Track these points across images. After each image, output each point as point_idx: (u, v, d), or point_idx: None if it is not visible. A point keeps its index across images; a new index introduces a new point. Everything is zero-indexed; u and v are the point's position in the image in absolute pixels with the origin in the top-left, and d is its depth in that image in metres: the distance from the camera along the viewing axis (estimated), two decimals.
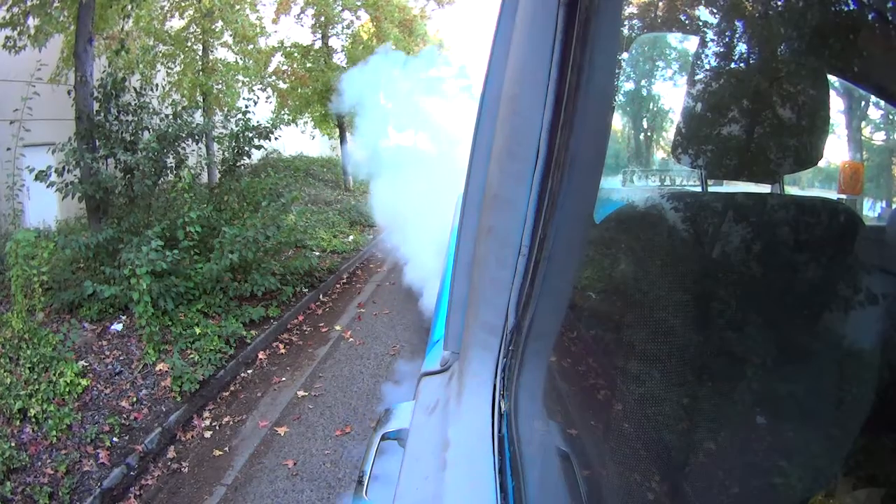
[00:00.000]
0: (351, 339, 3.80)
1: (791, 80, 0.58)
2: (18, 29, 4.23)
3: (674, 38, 0.78)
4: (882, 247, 0.51)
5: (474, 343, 0.60)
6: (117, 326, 3.38)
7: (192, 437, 2.80)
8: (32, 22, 4.17)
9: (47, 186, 3.83)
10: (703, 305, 0.52)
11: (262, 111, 5.84)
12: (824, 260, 0.50)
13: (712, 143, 0.63)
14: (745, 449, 0.46)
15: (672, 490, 0.51)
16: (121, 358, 3.12)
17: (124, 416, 2.72)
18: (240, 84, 6.39)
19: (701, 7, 0.72)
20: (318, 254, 5.16)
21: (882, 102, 0.59)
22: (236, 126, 4.63)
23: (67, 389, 2.73)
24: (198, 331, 3.37)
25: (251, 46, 6.36)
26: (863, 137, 0.62)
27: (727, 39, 0.64)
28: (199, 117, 5.05)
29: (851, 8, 0.55)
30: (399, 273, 4.58)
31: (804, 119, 0.58)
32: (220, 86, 6.07)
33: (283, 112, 6.59)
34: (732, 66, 0.62)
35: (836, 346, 0.45)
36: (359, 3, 6.97)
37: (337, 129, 8.05)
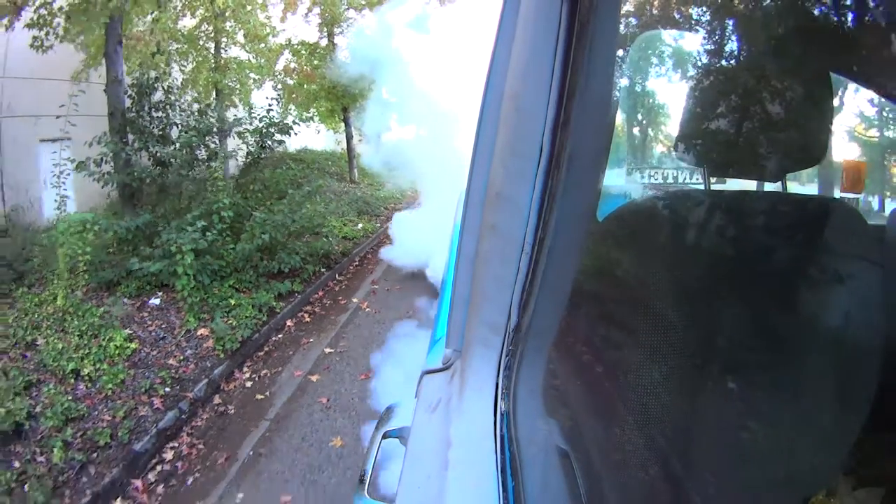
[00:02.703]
0: (367, 309, 4.31)
1: (793, 79, 0.58)
2: (46, 30, 4.44)
3: (677, 35, 0.78)
4: (883, 246, 0.51)
5: (476, 341, 0.60)
6: (155, 301, 3.73)
7: (235, 386, 3.24)
8: (61, 23, 4.40)
9: (86, 176, 4.28)
10: (705, 304, 0.52)
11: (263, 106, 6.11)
12: (826, 259, 0.49)
13: (715, 142, 0.62)
14: (746, 448, 0.47)
15: (672, 489, 0.51)
16: (162, 326, 3.49)
17: (173, 371, 3.08)
18: (251, 81, 6.64)
19: (704, 5, 0.72)
20: (331, 239, 5.60)
21: (884, 101, 0.59)
22: (260, 122, 5.05)
23: (117, 352, 3.05)
24: (232, 302, 3.79)
25: (262, 45, 6.57)
26: (865, 136, 0.61)
27: (730, 38, 0.64)
28: (222, 114, 5.50)
29: (853, 7, 0.55)
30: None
31: (806, 118, 0.58)
32: (234, 83, 6.29)
33: (290, 107, 6.85)
34: (735, 64, 0.61)
35: (836, 346, 0.45)
36: (363, 3, 7.18)
37: (342, 124, 8.31)
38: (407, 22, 6.38)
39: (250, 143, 5.05)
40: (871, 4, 0.51)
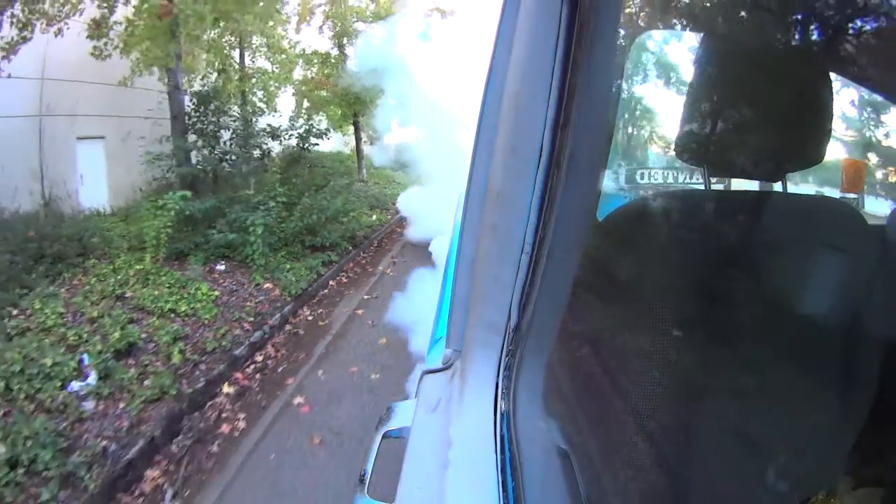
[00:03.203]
0: (390, 273, 5.64)
1: (793, 79, 0.58)
2: (105, 41, 5.14)
3: (677, 35, 0.78)
4: (883, 246, 0.51)
5: (476, 341, 0.60)
6: (220, 266, 4.64)
7: (300, 319, 4.38)
8: (117, 39, 5.14)
9: (158, 168, 5.31)
10: (705, 303, 0.51)
11: (285, 110, 7.39)
12: (825, 259, 0.49)
13: (714, 142, 0.62)
14: (746, 448, 0.47)
15: (672, 488, 0.51)
16: (233, 283, 4.44)
17: (252, 308, 4.06)
18: (272, 87, 7.33)
19: (704, 5, 0.72)
20: (356, 224, 6.64)
21: (884, 100, 0.59)
22: (300, 129, 6.21)
23: (204, 297, 3.92)
24: (287, 266, 4.86)
25: (283, 56, 7.31)
26: (865, 136, 0.61)
27: (730, 38, 0.64)
28: (265, 119, 6.62)
29: (853, 7, 0.55)
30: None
31: (806, 118, 0.58)
32: (260, 91, 7.10)
33: (302, 110, 7.82)
34: (735, 63, 0.61)
35: (836, 346, 0.45)
36: (370, 15, 7.83)
37: (352, 127, 9.36)
38: (414, 32, 7.08)
39: (292, 144, 6.17)
40: (872, 4, 0.51)
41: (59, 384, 2.63)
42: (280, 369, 3.52)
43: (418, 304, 3.95)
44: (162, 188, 5.64)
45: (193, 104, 5.67)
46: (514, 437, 0.54)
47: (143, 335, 3.25)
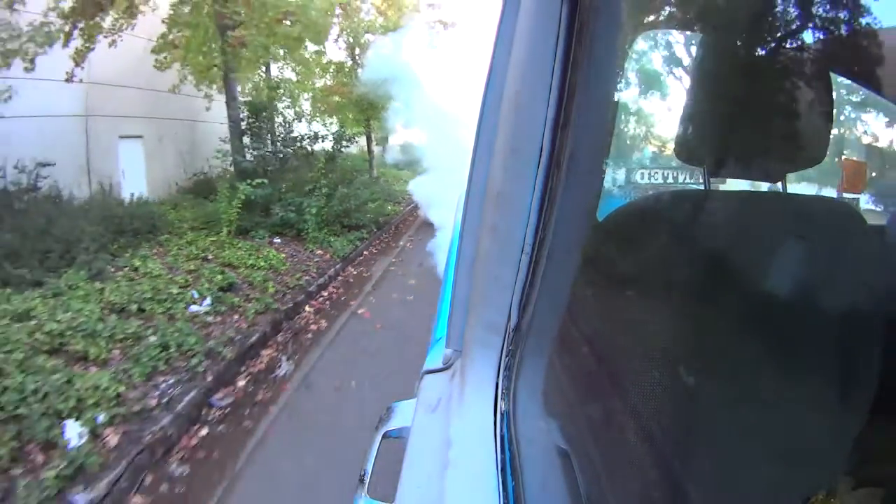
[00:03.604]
0: (409, 247, 7.08)
1: (793, 79, 0.58)
2: (167, 55, 6.07)
3: (677, 35, 0.78)
4: (883, 246, 0.51)
5: (476, 341, 0.60)
6: (277, 240, 5.83)
7: (349, 273, 5.73)
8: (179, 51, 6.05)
9: (223, 162, 6.87)
10: (705, 303, 0.51)
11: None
12: (826, 258, 0.49)
13: (715, 142, 0.62)
14: (746, 448, 0.46)
15: (671, 488, 0.51)
16: (292, 250, 5.66)
17: (313, 265, 5.36)
18: (296, 94, 8.31)
19: (704, 5, 0.72)
20: (379, 212, 8.06)
21: (884, 101, 0.59)
22: (335, 133, 7.85)
23: (275, 257, 5.11)
24: (332, 239, 6.16)
25: (304, 68, 8.09)
26: (865, 136, 0.61)
27: (730, 37, 0.64)
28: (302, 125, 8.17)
29: (853, 7, 0.55)
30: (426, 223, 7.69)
31: (806, 118, 0.58)
32: (287, 99, 7.94)
33: (317, 114, 8.98)
34: (735, 63, 0.61)
35: (836, 345, 0.44)
36: (379, 27, 8.71)
37: (363, 128, 10.48)
38: (419, 43, 8.11)
39: (327, 147, 7.65)
40: (872, 4, 0.51)
41: (184, 306, 3.68)
42: (342, 298, 4.95)
43: (435, 264, 5.41)
44: (200, 182, 7.28)
45: (248, 112, 7.01)
46: (514, 437, 0.54)
47: (238, 279, 4.41)
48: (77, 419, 2.32)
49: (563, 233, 0.51)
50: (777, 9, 0.59)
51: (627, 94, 0.82)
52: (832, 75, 0.56)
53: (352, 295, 5.03)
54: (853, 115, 0.61)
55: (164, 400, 2.68)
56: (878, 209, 0.59)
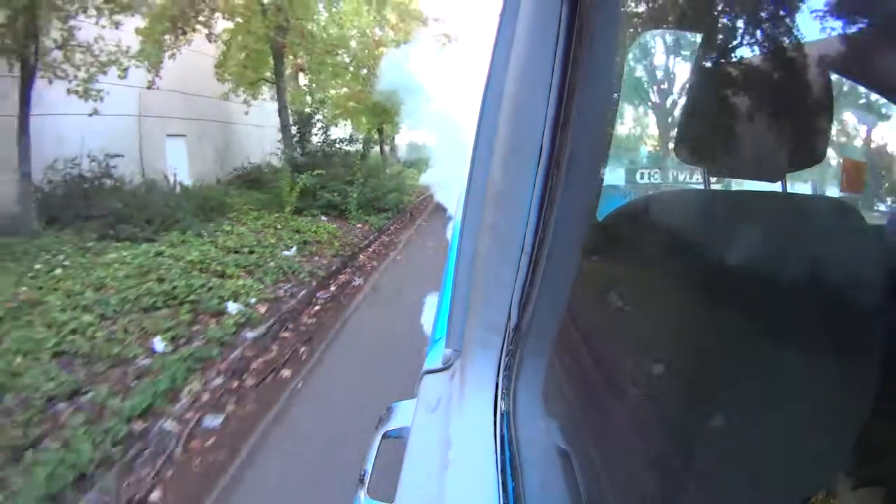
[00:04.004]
0: (424, 225, 8.78)
1: (793, 79, 0.58)
2: (224, 71, 7.63)
3: (677, 34, 0.78)
4: (883, 246, 0.51)
5: (476, 341, 0.60)
6: (324, 218, 7.35)
7: (383, 239, 7.41)
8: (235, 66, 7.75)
9: (268, 158, 9.57)
10: (705, 303, 0.51)
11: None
12: (826, 258, 0.49)
13: (714, 141, 0.62)
14: (746, 448, 0.46)
15: (671, 488, 0.51)
16: (339, 225, 7.18)
17: (359, 232, 7.12)
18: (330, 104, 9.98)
19: (704, 5, 0.72)
20: (399, 199, 9.77)
21: (884, 101, 0.59)
22: (363, 137, 10.17)
23: (329, 228, 6.74)
24: (367, 217, 7.88)
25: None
26: (865, 136, 0.61)
27: (730, 37, 0.64)
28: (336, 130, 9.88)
29: (853, 6, 0.55)
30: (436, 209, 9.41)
31: (806, 118, 0.58)
32: (314, 105, 9.27)
33: (336, 119, 10.36)
34: (735, 64, 0.61)
35: (836, 345, 0.44)
36: (391, 42, 9.83)
37: (376, 132, 11.85)
38: (426, 54, 9.17)
39: (357, 147, 9.64)
40: (872, 4, 0.51)
41: (280, 250, 5.40)
42: (383, 251, 6.83)
43: (443, 237, 6.19)
44: (241, 175, 8.98)
45: (296, 119, 8.70)
46: (514, 437, 0.53)
47: (309, 238, 6.10)
48: (234, 301, 3.87)
49: (563, 232, 0.51)
50: (777, 8, 0.59)
51: (627, 93, 0.82)
52: (832, 75, 0.56)
53: (388, 250, 7.02)
54: (853, 116, 0.61)
55: (289, 294, 4.36)
56: (878, 209, 0.59)
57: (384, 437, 0.67)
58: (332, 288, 4.99)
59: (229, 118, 9.16)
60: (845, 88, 0.59)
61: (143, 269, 4.07)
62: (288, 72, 8.32)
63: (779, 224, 0.54)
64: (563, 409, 0.62)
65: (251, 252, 5.09)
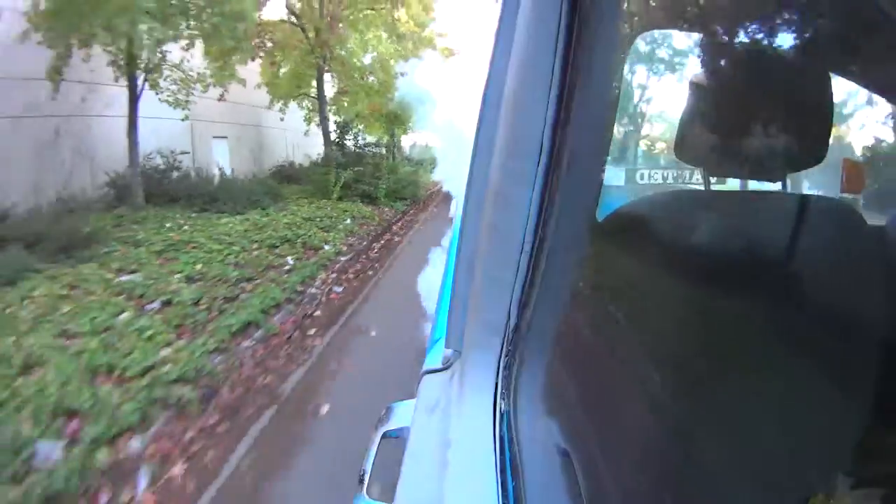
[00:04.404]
0: (435, 211, 10.43)
1: (793, 79, 0.58)
2: (272, 86, 9.78)
3: (677, 34, 0.78)
4: (883, 246, 0.51)
5: (476, 341, 0.60)
6: (360, 203, 9.21)
7: (405, 219, 9.50)
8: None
9: (302, 157, 12.41)
10: (705, 303, 0.51)
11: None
12: (827, 258, 0.49)
13: (714, 142, 0.62)
14: (746, 448, 0.46)
15: (672, 488, 0.51)
16: (372, 208, 9.26)
17: (389, 213, 9.37)
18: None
19: (704, 4, 0.71)
20: (415, 191, 12.01)
21: (884, 101, 0.59)
22: (387, 142, 12.63)
23: (366, 210, 8.92)
24: (392, 203, 9.88)
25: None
26: (865, 136, 0.61)
27: (730, 38, 0.64)
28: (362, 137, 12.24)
29: (853, 6, 0.54)
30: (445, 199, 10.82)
31: (806, 118, 0.58)
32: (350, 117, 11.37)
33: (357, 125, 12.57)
34: (735, 64, 0.61)
35: (836, 346, 0.44)
36: (402, 58, 11.32)
37: (389, 136, 13.67)
38: (432, 67, 10.78)
39: (382, 150, 12.23)
40: (872, 4, 0.51)
41: (341, 221, 7.51)
42: (409, 224, 8.91)
43: (447, 217, 7.41)
44: (276, 172, 10.89)
45: (337, 128, 11.04)
46: (514, 437, 0.53)
47: (356, 216, 8.25)
48: (326, 244, 6.16)
49: (562, 233, 0.51)
50: (777, 9, 0.59)
51: (627, 93, 0.82)
52: (832, 75, 0.56)
53: (412, 224, 9.13)
54: (853, 116, 0.61)
55: (356, 243, 6.73)
56: (877, 209, 0.58)
57: (384, 437, 0.67)
58: (381, 241, 7.54)
59: (261, 123, 11.18)
60: (845, 88, 0.58)
61: (257, 225, 6.32)
62: (330, 91, 10.54)
63: (779, 224, 0.54)
64: (563, 409, 0.62)
65: (321, 220, 7.26)
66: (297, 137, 11.35)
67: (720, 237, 0.56)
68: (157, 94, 6.35)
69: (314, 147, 12.11)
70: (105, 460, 2.08)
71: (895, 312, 0.41)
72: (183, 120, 6.83)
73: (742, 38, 0.61)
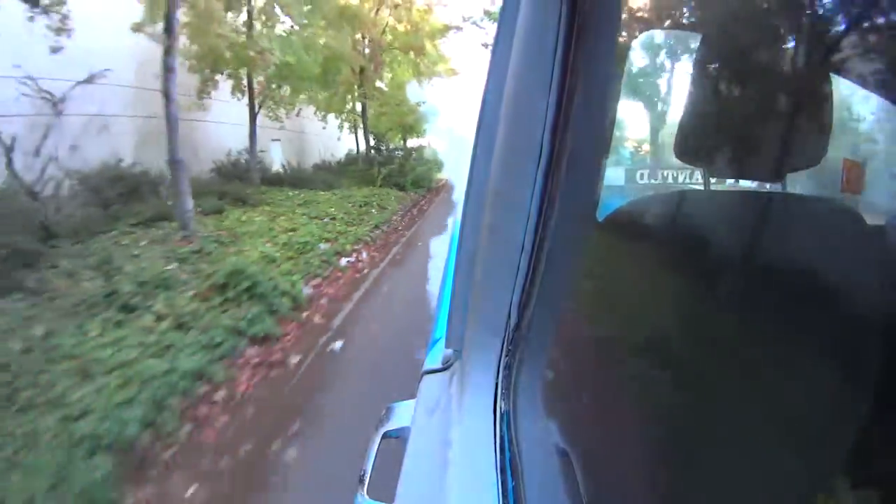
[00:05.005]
0: (444, 195, 12.97)
1: (793, 79, 0.58)
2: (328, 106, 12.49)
3: (677, 35, 0.78)
4: (883, 246, 0.51)
5: (476, 341, 0.60)
6: (395, 189, 11.97)
7: (424, 200, 12.50)
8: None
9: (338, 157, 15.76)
10: (705, 303, 0.51)
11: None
12: (826, 258, 0.49)
13: (714, 142, 0.62)
14: (746, 448, 0.46)
15: (671, 488, 0.51)
16: (401, 193, 11.84)
17: (413, 197, 12.28)
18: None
19: (704, 4, 0.72)
20: (430, 183, 14.64)
21: (884, 101, 0.59)
22: (411, 147, 15.69)
23: (398, 194, 11.62)
24: (415, 190, 12.79)
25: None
26: (864, 136, 0.61)
27: (730, 38, 0.64)
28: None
29: (853, 7, 0.54)
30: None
31: (806, 118, 0.58)
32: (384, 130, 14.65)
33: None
34: (735, 64, 0.61)
35: (836, 346, 0.44)
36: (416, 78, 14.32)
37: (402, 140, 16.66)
38: (439, 85, 14.35)
39: (402, 153, 14.60)
40: (872, 4, 0.51)
41: (388, 198, 10.43)
42: (429, 201, 12.15)
43: (450, 201, 9.43)
44: (322, 167, 13.67)
45: (373, 136, 14.34)
46: (514, 437, 0.54)
47: (395, 196, 10.95)
48: (388, 207, 9.68)
49: (562, 233, 0.51)
50: (777, 8, 0.59)
51: (627, 93, 0.82)
52: (832, 75, 0.56)
53: (431, 201, 11.93)
54: (853, 116, 0.61)
55: (403, 209, 10.32)
56: (877, 209, 0.58)
57: (384, 437, 0.67)
58: (416, 208, 10.82)
59: (304, 129, 14.18)
60: (845, 89, 0.59)
61: (342, 197, 9.35)
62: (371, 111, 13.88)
63: (779, 224, 0.54)
64: (563, 409, 0.62)
65: (377, 197, 10.04)
66: (328, 141, 14.70)
67: (720, 237, 0.56)
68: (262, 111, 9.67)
69: (340, 149, 15.79)
70: (344, 251, 5.89)
71: (895, 312, 0.41)
72: (280, 129, 10.80)
73: (742, 38, 0.61)
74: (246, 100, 9.31)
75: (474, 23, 13.06)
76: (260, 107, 9.55)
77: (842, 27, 0.53)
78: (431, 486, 0.51)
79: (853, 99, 0.59)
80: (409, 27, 13.55)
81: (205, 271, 3.96)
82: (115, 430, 2.12)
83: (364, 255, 6.17)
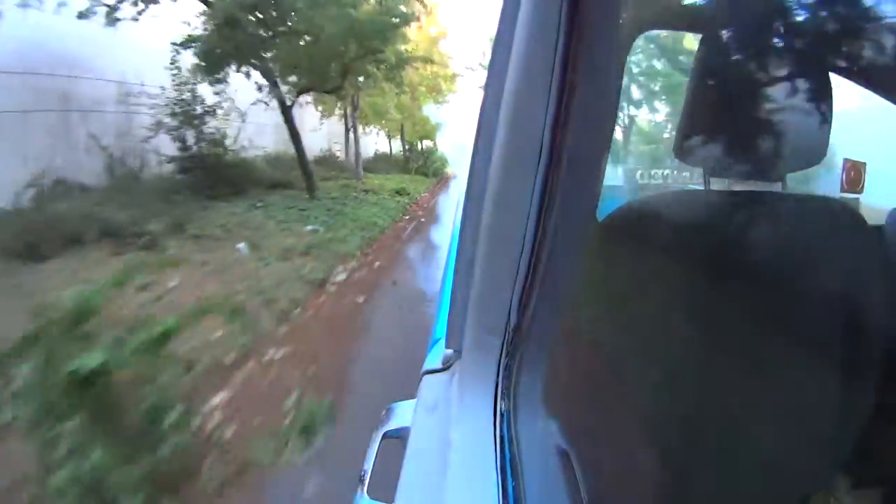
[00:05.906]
0: (453, 180, 17.61)
1: (793, 79, 0.58)
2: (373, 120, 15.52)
3: (677, 35, 0.78)
4: (882, 246, 0.51)
5: (476, 341, 0.60)
6: (423, 176, 17.21)
7: (438, 185, 16.17)
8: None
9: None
10: (705, 303, 0.51)
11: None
12: (826, 258, 0.49)
13: (714, 142, 0.62)
14: (746, 448, 0.46)
15: (671, 488, 0.51)
16: (427, 179, 16.58)
17: (435, 180, 17.26)
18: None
19: (704, 4, 0.71)
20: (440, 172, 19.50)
21: (884, 101, 0.59)
22: (431, 148, 20.83)
23: (425, 179, 16.47)
24: (434, 177, 18.00)
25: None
26: (865, 136, 0.62)
27: (730, 38, 0.64)
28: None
29: (853, 6, 0.55)
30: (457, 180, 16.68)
31: (807, 118, 0.58)
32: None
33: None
34: (735, 64, 0.61)
35: (836, 345, 0.44)
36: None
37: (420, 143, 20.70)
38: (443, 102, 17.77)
39: (423, 153, 19.64)
40: (872, 4, 0.51)
41: (422, 179, 15.62)
42: (443, 182, 16.84)
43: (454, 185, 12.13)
44: (370, 162, 16.06)
45: (408, 142, 18.71)
46: (514, 438, 0.54)
47: (427, 179, 16.27)
48: (408, 194, 11.70)
49: (562, 233, 0.51)
50: (777, 8, 0.59)
51: (628, 93, 0.82)
52: (832, 75, 0.56)
53: (446, 182, 15.65)
54: (853, 116, 0.61)
55: (430, 185, 15.29)
56: (877, 209, 0.59)
57: (384, 437, 0.67)
58: (440, 183, 14.94)
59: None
60: (845, 89, 0.59)
61: (393, 180, 12.43)
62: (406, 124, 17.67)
63: (779, 224, 0.54)
64: (563, 409, 0.62)
65: (419, 178, 14.51)
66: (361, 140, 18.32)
67: (720, 237, 0.56)
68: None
69: (368, 148, 18.86)
70: (412, 199, 11.50)
71: (895, 312, 0.41)
72: (369, 135, 15.96)
73: (742, 38, 0.61)
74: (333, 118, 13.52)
75: (472, 69, 17.49)
76: (353, 127, 13.58)
77: (841, 27, 0.53)
78: (431, 486, 0.51)
79: (853, 99, 0.59)
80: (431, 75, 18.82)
81: (386, 187, 11.21)
82: (376, 220, 7.82)
83: (427, 195, 12.83)
